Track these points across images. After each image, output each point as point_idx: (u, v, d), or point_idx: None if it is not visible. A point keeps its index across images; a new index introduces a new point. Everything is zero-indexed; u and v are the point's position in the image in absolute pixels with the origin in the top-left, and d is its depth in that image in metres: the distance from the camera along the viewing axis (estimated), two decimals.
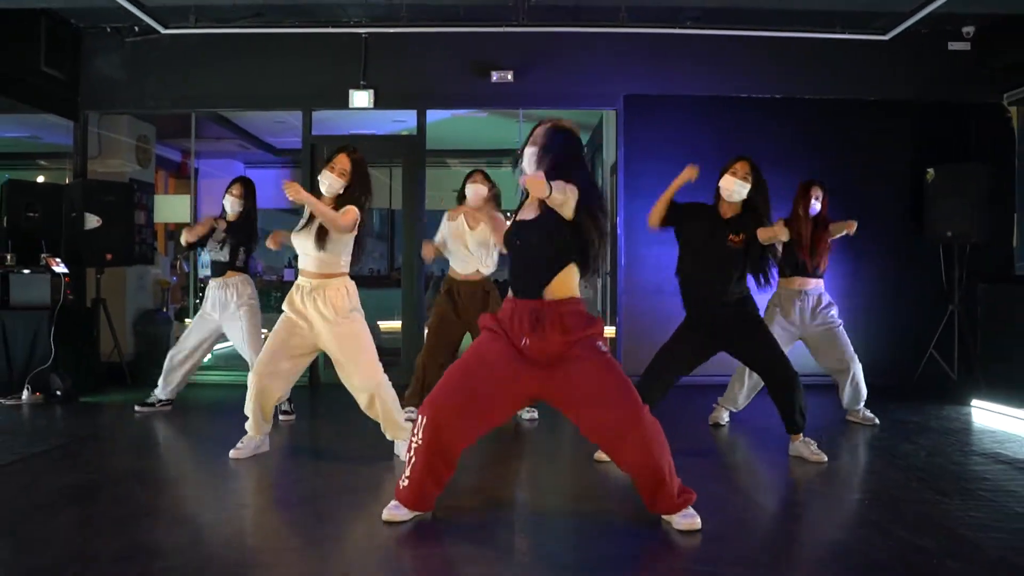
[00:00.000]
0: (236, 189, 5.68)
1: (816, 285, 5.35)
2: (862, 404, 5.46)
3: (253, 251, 5.80)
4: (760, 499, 3.95)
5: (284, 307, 4.39)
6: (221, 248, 5.62)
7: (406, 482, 3.25)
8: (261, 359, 4.37)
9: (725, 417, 5.50)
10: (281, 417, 5.53)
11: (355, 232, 4.32)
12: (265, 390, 4.35)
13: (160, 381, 5.82)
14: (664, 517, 3.24)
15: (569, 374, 3.16)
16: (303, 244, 4.32)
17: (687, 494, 3.26)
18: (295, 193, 3.99)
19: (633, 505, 3.40)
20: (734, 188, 4.35)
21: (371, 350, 4.35)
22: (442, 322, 5.44)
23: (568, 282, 3.20)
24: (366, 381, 4.28)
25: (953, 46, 7.33)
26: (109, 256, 7.01)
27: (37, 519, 3.35)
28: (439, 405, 3.17)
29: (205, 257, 6.14)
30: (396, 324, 8.00)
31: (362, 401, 4.36)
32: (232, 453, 4.41)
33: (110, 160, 8.15)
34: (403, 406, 4.73)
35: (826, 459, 4.32)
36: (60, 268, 6.49)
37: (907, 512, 3.49)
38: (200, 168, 10.39)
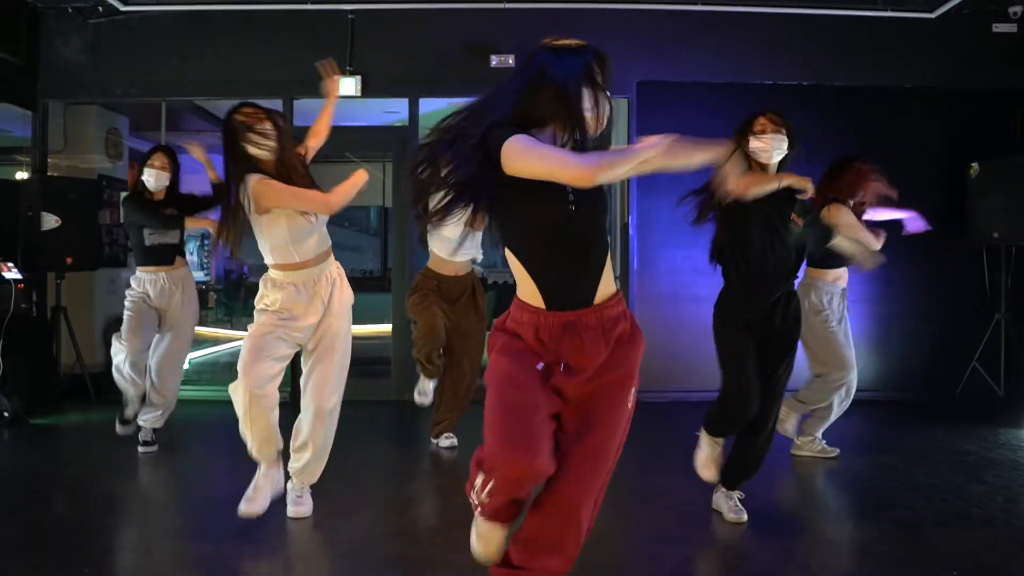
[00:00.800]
0: (158, 160, 4.90)
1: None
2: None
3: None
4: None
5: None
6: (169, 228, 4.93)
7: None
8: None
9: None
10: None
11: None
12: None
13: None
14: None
15: (588, 413, 2.24)
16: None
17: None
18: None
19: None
20: (774, 146, 3.49)
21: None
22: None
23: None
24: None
25: (998, 28, 6.75)
26: (70, 260, 6.37)
27: None
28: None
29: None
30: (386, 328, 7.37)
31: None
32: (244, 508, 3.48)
33: (77, 154, 7.50)
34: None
35: (745, 519, 3.58)
36: (11, 274, 5.86)
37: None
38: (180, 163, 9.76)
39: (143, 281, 4.89)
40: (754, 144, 3.51)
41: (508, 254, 2.22)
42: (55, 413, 5.96)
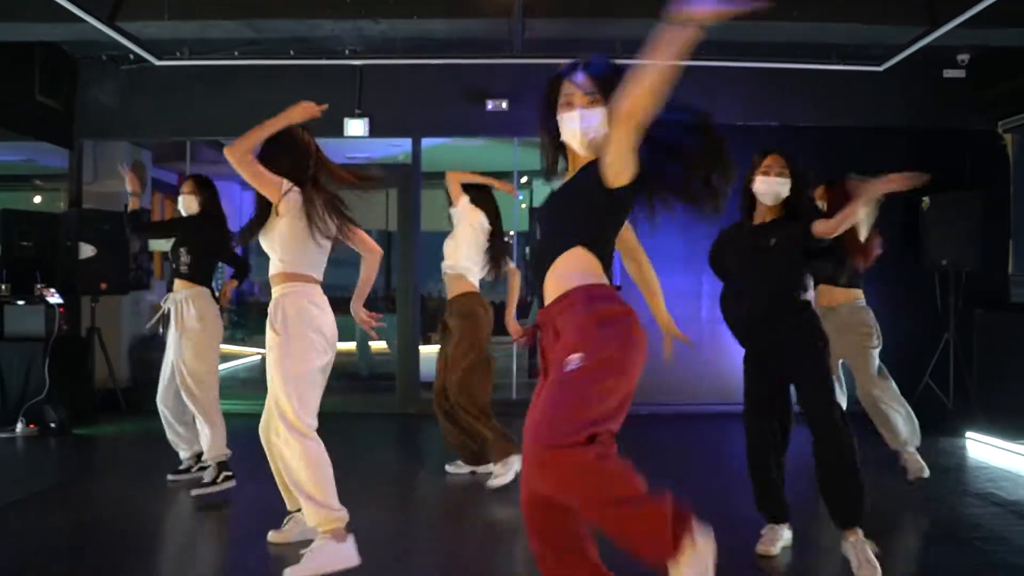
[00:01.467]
0: (187, 186, 4.89)
1: None
2: None
3: (215, 263, 5.05)
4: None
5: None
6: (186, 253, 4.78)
7: None
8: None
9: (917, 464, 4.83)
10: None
11: None
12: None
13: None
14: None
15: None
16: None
17: None
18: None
19: None
20: (775, 189, 3.57)
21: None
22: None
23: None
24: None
25: (948, 74, 7.37)
26: (104, 285, 7.01)
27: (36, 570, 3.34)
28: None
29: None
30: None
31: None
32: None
33: (107, 182, 8.10)
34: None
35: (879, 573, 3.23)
36: (54, 299, 6.50)
37: (898, 565, 3.48)
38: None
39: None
40: (757, 185, 3.61)
41: None
42: (92, 424, 6.56)
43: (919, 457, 4.81)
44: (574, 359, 2.17)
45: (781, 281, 3.58)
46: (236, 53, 6.98)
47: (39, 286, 6.56)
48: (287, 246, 3.41)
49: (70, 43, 7.06)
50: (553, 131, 2.42)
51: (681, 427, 5.51)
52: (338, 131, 7.27)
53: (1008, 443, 5.57)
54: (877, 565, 3.21)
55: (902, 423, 4.80)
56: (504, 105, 7.12)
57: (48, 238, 7.02)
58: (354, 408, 7.29)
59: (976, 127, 7.39)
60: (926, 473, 4.72)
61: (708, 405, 6.98)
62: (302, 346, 3.30)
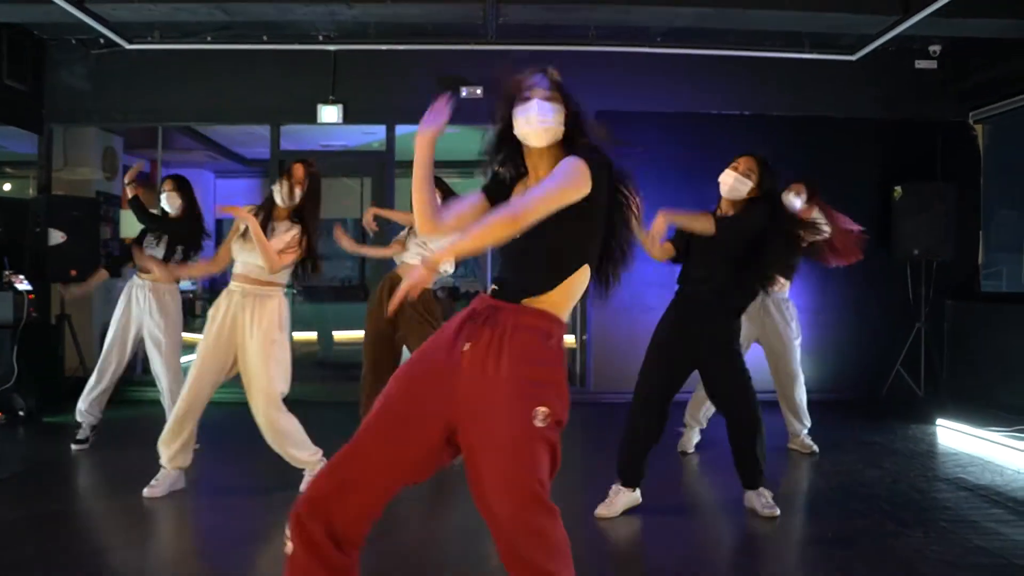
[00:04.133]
0: (168, 184, 5.30)
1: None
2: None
3: (193, 255, 5.27)
4: (714, 529, 3.96)
5: (211, 314, 4.18)
6: (157, 244, 5.24)
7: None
8: (194, 374, 4.09)
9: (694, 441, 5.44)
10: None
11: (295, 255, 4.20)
12: (194, 410, 4.12)
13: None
14: None
15: (481, 427, 2.15)
16: (245, 252, 4.18)
17: None
18: (240, 214, 4.01)
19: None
20: (732, 183, 3.89)
21: (278, 376, 4.10)
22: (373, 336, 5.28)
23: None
24: (265, 406, 4.08)
25: (920, 64, 7.43)
26: (74, 272, 6.89)
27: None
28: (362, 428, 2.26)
29: None
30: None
31: (260, 424, 4.13)
32: (147, 491, 4.11)
33: (77, 169, 8.04)
34: None
35: (778, 512, 3.92)
36: (23, 286, 6.41)
37: (868, 547, 3.51)
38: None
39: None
40: (722, 176, 3.94)
41: None
42: (61, 413, 6.48)
43: None
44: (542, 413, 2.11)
45: (722, 270, 3.88)
46: (208, 38, 6.92)
47: (7, 272, 6.46)
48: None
49: (38, 25, 6.93)
50: (507, 128, 2.38)
51: None
52: (312, 117, 7.21)
53: (977, 430, 5.63)
54: (776, 507, 3.92)
55: None
56: (479, 92, 7.09)
57: (17, 225, 6.90)
58: (333, 397, 7.17)
59: (948, 118, 7.48)
60: None
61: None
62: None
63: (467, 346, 2.17)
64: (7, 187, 10.71)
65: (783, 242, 3.98)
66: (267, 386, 4.04)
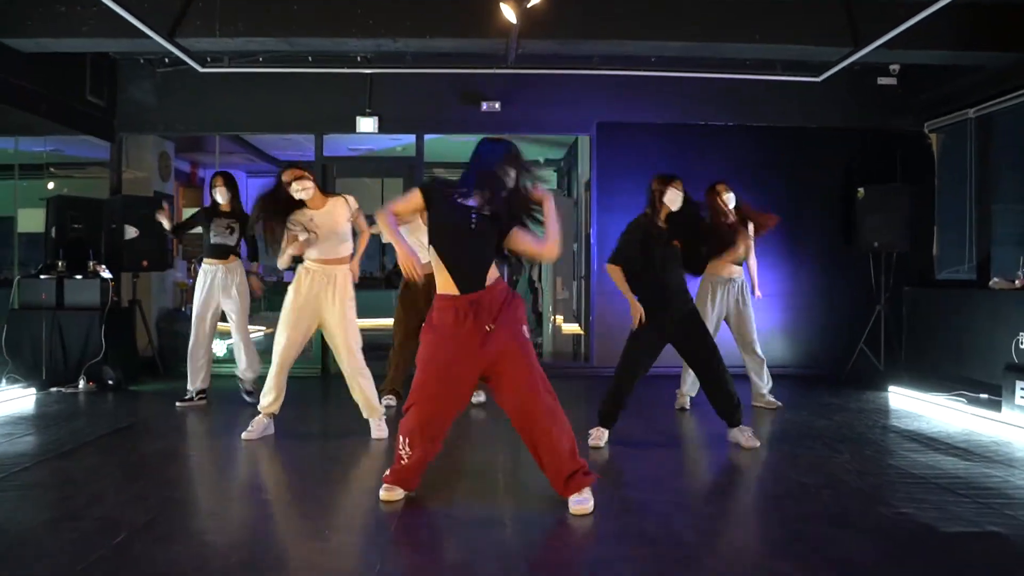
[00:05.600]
0: (219, 180, 6.43)
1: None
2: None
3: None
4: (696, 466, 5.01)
5: (292, 289, 5.16)
6: (230, 233, 6.41)
7: (402, 466, 3.75)
8: (283, 341, 5.12)
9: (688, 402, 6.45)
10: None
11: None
12: (284, 367, 5.18)
13: (189, 376, 6.44)
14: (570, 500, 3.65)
15: (507, 360, 3.62)
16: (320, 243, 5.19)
17: (589, 476, 3.69)
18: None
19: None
20: (677, 201, 4.99)
21: (356, 331, 5.21)
22: (408, 313, 6.38)
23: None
24: (349, 357, 5.16)
25: (882, 81, 8.47)
26: (146, 263, 7.95)
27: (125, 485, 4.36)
28: (423, 398, 3.67)
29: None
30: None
31: (347, 374, 5.21)
32: (244, 435, 5.13)
33: (137, 172, 9.08)
34: (380, 396, 5.60)
35: (758, 443, 4.98)
36: (106, 274, 7.45)
37: (802, 462, 4.62)
38: (206, 178, 11.36)
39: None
40: (668, 195, 5.00)
41: None
42: (140, 383, 7.52)
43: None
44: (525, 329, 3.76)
45: (678, 265, 5.08)
46: (259, 59, 7.95)
47: (92, 263, 7.50)
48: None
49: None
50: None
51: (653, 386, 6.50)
52: (351, 127, 8.28)
53: (922, 394, 6.62)
54: (757, 440, 5.01)
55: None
56: (497, 106, 8.16)
57: (94, 222, 7.91)
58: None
59: (906, 128, 8.53)
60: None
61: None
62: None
63: (492, 326, 3.59)
64: (51, 186, 11.68)
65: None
66: (351, 341, 5.15)
